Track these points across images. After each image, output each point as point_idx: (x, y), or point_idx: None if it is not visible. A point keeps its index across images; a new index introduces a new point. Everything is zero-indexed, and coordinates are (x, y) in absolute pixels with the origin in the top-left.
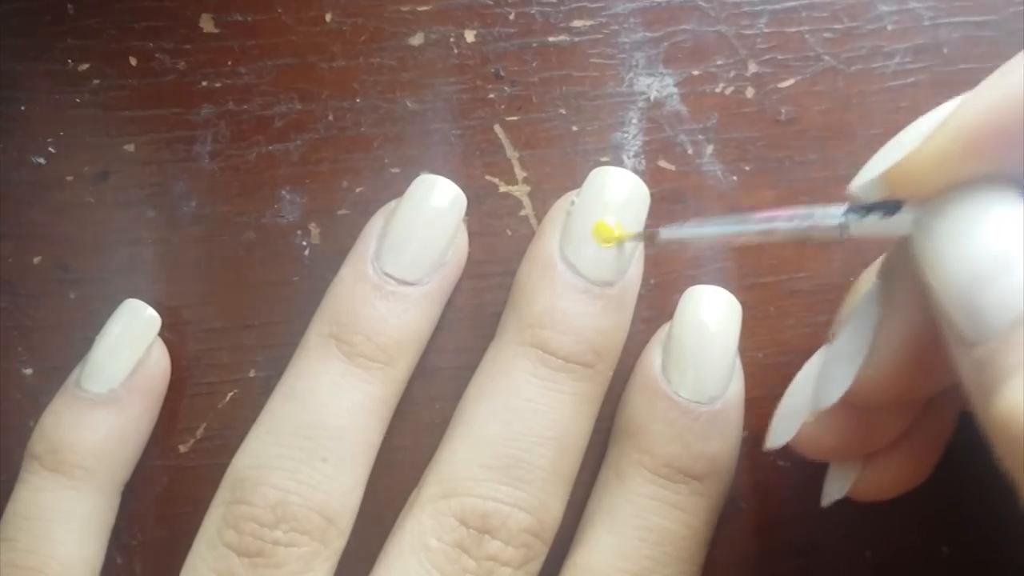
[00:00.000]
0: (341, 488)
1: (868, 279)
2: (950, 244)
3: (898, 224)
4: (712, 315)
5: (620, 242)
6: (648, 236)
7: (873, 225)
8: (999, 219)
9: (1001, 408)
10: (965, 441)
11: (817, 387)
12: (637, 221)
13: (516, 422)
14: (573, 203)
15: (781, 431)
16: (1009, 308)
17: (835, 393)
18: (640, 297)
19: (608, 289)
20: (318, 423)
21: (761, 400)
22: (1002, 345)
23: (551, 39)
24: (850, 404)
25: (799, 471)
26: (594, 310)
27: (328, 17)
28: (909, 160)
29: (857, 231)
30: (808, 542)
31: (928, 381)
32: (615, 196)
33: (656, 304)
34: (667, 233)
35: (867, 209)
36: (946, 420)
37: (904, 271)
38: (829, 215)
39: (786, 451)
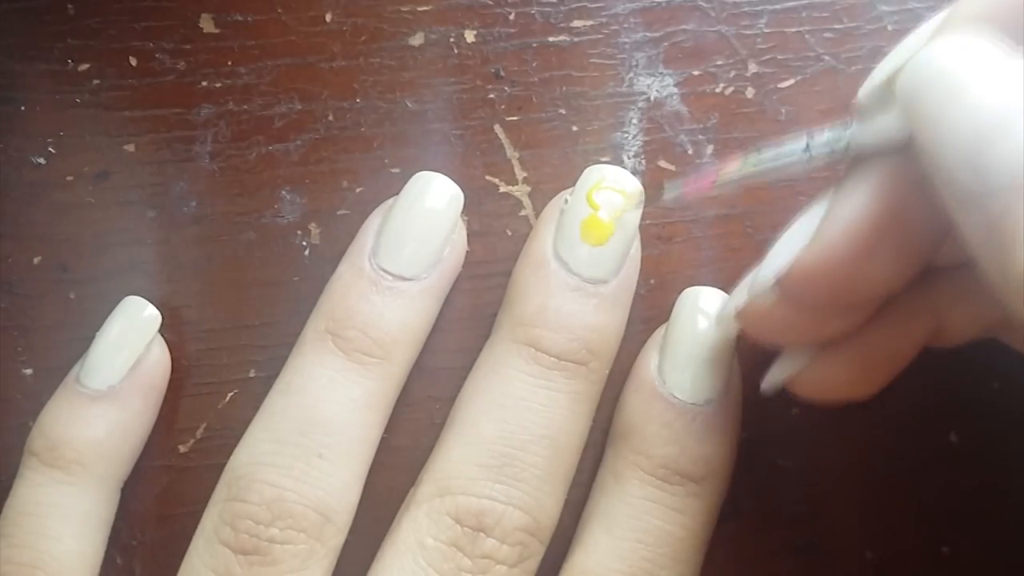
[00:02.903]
0: (338, 485)
1: None
2: (948, 102)
3: (898, 128)
4: (708, 316)
5: (613, 233)
6: (647, 200)
7: (875, 131)
8: (999, 71)
9: (1018, 266)
10: (965, 441)
11: (758, 270)
12: (632, 218)
13: (510, 421)
14: (567, 201)
15: (781, 372)
16: (1018, 156)
17: (771, 272)
18: (640, 297)
19: (602, 287)
20: (314, 419)
21: (760, 401)
22: (1013, 195)
23: (551, 39)
24: (793, 287)
25: (799, 471)
26: (587, 308)
27: (328, 17)
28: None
29: (860, 139)
30: (808, 542)
31: (862, 278)
32: (615, 201)
33: (656, 304)
34: (671, 193)
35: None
36: (903, 345)
37: (861, 172)
38: (834, 132)
39: (786, 451)
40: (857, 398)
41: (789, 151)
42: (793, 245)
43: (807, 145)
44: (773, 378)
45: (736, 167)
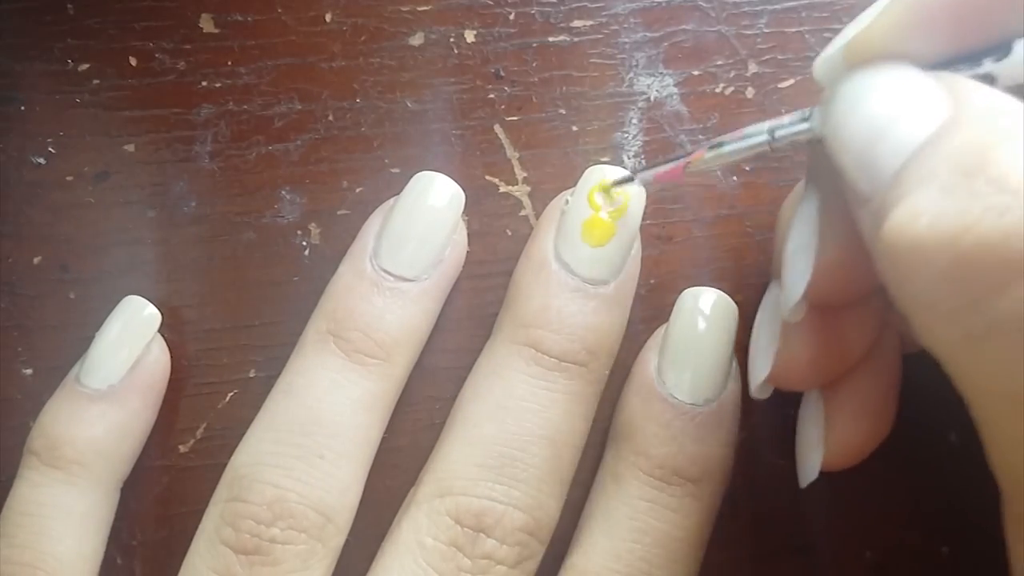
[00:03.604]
0: (339, 485)
1: (790, 204)
2: (846, 114)
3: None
4: (707, 316)
5: (614, 234)
6: (625, 181)
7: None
8: (889, 82)
9: (885, 233)
10: (965, 441)
11: (783, 290)
12: (633, 218)
13: (510, 421)
14: (568, 202)
15: (758, 369)
16: (896, 155)
17: (800, 286)
18: (640, 297)
19: (602, 288)
20: (315, 420)
21: (760, 401)
22: (890, 188)
23: (551, 39)
24: (816, 302)
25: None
26: (587, 309)
27: (328, 17)
28: (866, 31)
29: (818, 129)
30: (808, 542)
31: (866, 274)
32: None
33: (656, 304)
34: (644, 174)
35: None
36: (892, 361)
37: (824, 162)
38: (796, 115)
39: (786, 451)
40: (834, 375)
41: (752, 144)
42: (802, 254)
43: (770, 136)
44: (756, 378)
45: (703, 158)
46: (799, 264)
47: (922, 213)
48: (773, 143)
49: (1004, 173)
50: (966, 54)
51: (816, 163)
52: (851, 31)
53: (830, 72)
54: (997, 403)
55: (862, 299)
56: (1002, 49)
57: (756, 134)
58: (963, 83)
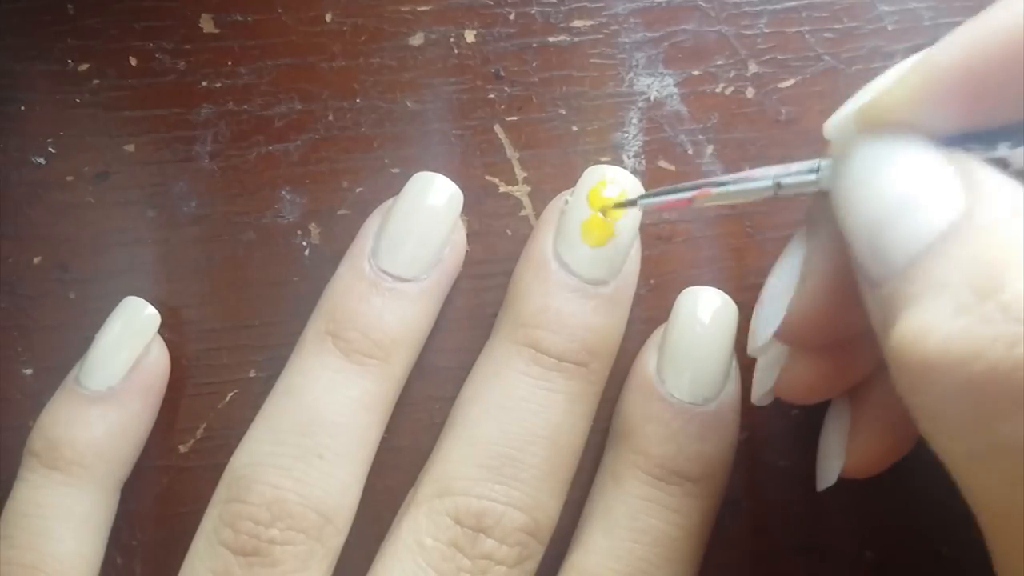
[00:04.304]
0: (338, 485)
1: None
2: (858, 186)
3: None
4: (707, 316)
5: (613, 234)
6: (627, 204)
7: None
8: (905, 162)
9: (895, 338)
10: None
11: (754, 326)
12: (633, 219)
13: (510, 421)
14: (567, 202)
15: (763, 381)
16: (909, 246)
17: (769, 329)
18: (640, 297)
19: (602, 288)
20: (314, 420)
21: None
22: (901, 281)
23: (551, 39)
24: (789, 340)
25: (799, 471)
26: (587, 309)
27: (328, 17)
28: (881, 98)
29: (825, 183)
30: (808, 542)
31: (856, 314)
32: (610, 194)
33: (656, 304)
34: (645, 200)
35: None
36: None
37: (826, 214)
38: (805, 166)
39: (786, 451)
40: (838, 392)
41: (758, 189)
42: (780, 298)
43: (776, 184)
44: (759, 389)
45: (709, 195)
46: (772, 308)
47: (934, 330)
48: (778, 191)
49: (1016, 300)
50: (981, 133)
51: (817, 211)
52: (865, 96)
53: (842, 134)
54: (997, 518)
55: (854, 336)
56: (1018, 134)
57: (762, 179)
58: (978, 171)
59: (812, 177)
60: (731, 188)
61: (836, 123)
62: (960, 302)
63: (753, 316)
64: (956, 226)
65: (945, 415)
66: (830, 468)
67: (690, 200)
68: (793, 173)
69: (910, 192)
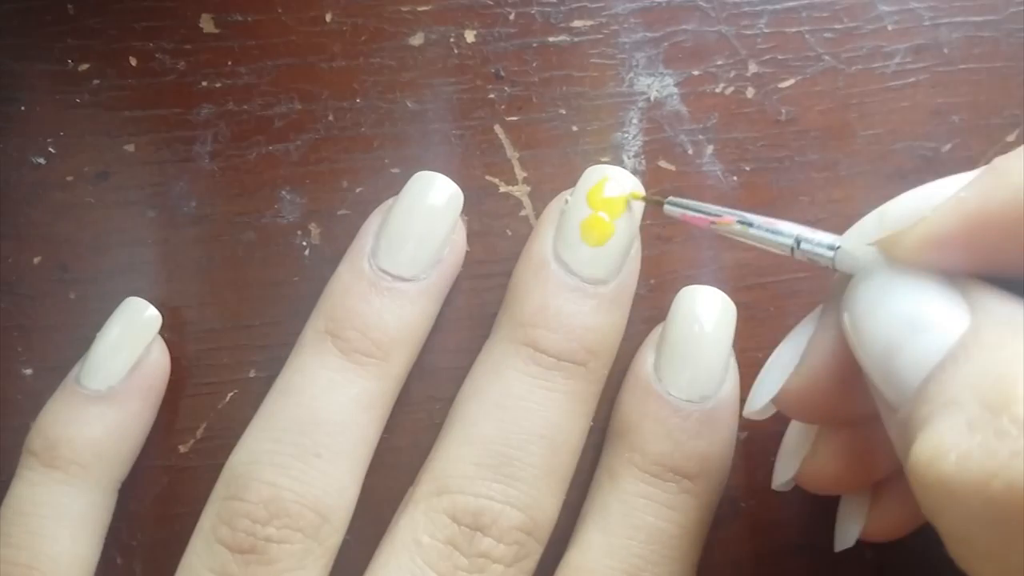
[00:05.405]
0: (336, 484)
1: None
2: (868, 314)
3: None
4: (705, 314)
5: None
6: (654, 201)
7: (857, 264)
8: (910, 286)
9: (913, 461)
10: None
11: (753, 390)
12: (633, 219)
13: (508, 420)
14: (567, 202)
15: (784, 470)
16: (920, 367)
17: (765, 395)
18: (640, 297)
19: (601, 288)
20: (313, 419)
21: None
22: (914, 403)
23: (551, 39)
24: (785, 411)
25: None
26: (586, 309)
27: (328, 17)
28: (902, 236)
29: (842, 267)
30: (808, 542)
31: (855, 400)
32: (610, 194)
33: (656, 304)
34: (671, 208)
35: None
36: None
37: (837, 300)
38: (825, 239)
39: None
40: (859, 487)
41: (777, 242)
42: (781, 368)
43: (795, 244)
44: (780, 477)
45: (730, 227)
46: (772, 377)
47: (949, 449)
48: (795, 252)
49: None
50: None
51: (833, 294)
52: (886, 225)
53: (854, 259)
54: None
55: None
56: None
57: (786, 234)
58: (980, 289)
59: (829, 254)
60: (753, 231)
61: (852, 240)
62: (973, 418)
63: (756, 380)
64: (964, 344)
65: (971, 538)
66: (849, 531)
67: (712, 223)
68: (813, 242)
69: (917, 313)
